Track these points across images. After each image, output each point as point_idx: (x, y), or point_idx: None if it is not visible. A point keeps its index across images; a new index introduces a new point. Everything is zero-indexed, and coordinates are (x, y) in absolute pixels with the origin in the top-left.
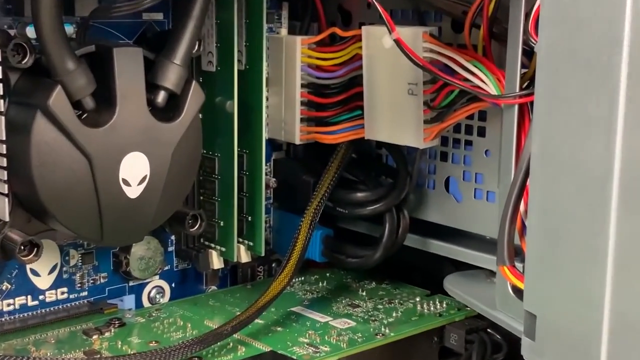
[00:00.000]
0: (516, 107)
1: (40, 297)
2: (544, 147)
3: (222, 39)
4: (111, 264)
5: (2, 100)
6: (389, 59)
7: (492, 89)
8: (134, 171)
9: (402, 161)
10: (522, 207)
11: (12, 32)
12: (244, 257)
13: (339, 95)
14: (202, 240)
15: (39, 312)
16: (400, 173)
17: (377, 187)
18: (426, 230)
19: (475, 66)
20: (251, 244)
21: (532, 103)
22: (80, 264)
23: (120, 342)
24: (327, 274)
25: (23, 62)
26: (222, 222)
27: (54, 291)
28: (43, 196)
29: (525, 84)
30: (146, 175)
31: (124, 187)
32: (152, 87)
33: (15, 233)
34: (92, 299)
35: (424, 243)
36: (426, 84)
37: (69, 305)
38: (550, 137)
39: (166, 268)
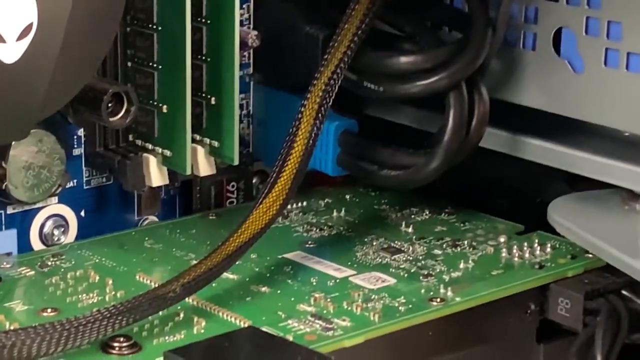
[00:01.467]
0: None
1: None
2: None
3: None
4: None
5: None
6: None
7: None
8: (11, 16)
9: (479, 0)
10: None
11: None
12: (204, 167)
13: None
14: (131, 137)
15: None
16: (476, 22)
17: (434, 45)
18: (519, 122)
19: None
20: (216, 144)
21: None
22: None
23: None
24: (347, 197)
25: None
26: (165, 108)
27: None
28: None
29: None
30: (32, 24)
31: None
32: None
33: None
34: None
35: (514, 144)
36: None
37: None
38: None
39: (70, 185)
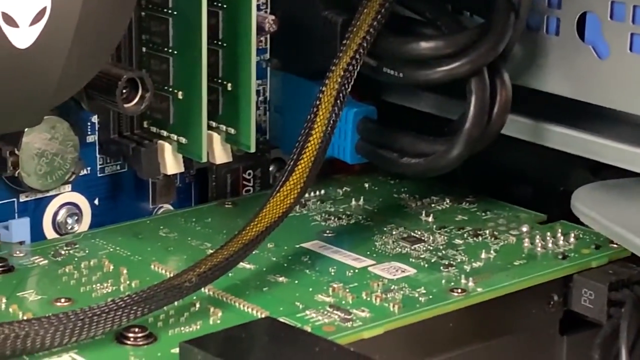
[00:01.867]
0: None
1: None
2: None
3: None
4: None
5: None
6: None
7: None
8: (24, 2)
9: None
10: None
11: None
12: (220, 155)
13: None
14: (145, 124)
15: None
16: (498, 6)
17: (456, 30)
18: (542, 108)
19: None
20: (233, 131)
21: None
22: None
23: (4, 300)
24: (366, 185)
25: None
26: (180, 94)
27: None
28: None
29: None
30: (45, 8)
31: (5, 29)
32: None
33: None
34: None
35: (537, 131)
36: None
37: None
38: None
39: (83, 173)
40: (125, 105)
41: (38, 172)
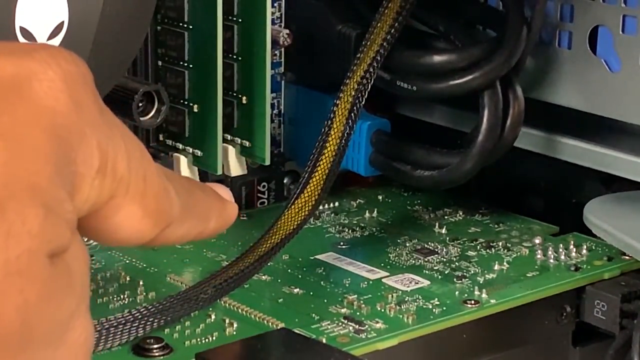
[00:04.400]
0: None
1: None
2: None
3: None
4: None
5: None
6: None
7: None
8: (42, 15)
9: None
10: None
11: None
12: (235, 167)
13: None
14: (161, 137)
15: None
16: (511, 20)
17: (469, 44)
18: (554, 121)
19: None
20: (248, 144)
21: None
22: None
23: None
24: (379, 197)
25: None
26: (196, 107)
27: None
28: None
29: None
30: (63, 22)
31: (24, 42)
32: None
33: None
34: None
35: (549, 144)
36: None
37: None
38: None
39: None
40: (142, 119)
41: None
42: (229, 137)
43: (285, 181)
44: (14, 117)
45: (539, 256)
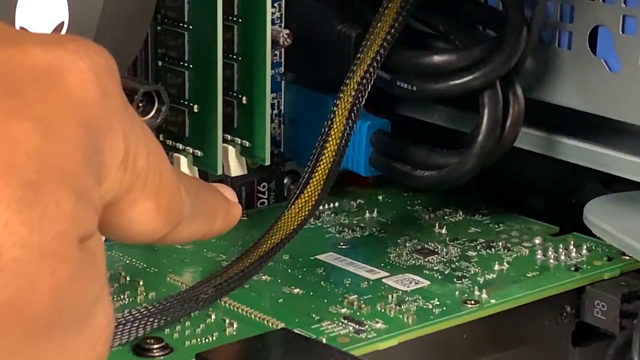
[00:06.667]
0: None
1: None
2: None
3: None
4: None
5: None
6: None
7: None
8: (42, 15)
9: None
10: None
11: None
12: (236, 167)
13: None
14: (161, 137)
15: None
16: (511, 20)
17: (469, 44)
18: (554, 121)
19: None
20: (248, 144)
21: None
22: None
23: None
24: (379, 198)
25: None
26: (196, 107)
27: None
28: None
29: None
30: (62, 23)
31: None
32: None
33: None
34: None
35: (549, 144)
36: None
37: None
38: None
39: None
40: (142, 119)
41: None
42: (229, 137)
43: (285, 181)
44: (47, 104)
45: (539, 256)
